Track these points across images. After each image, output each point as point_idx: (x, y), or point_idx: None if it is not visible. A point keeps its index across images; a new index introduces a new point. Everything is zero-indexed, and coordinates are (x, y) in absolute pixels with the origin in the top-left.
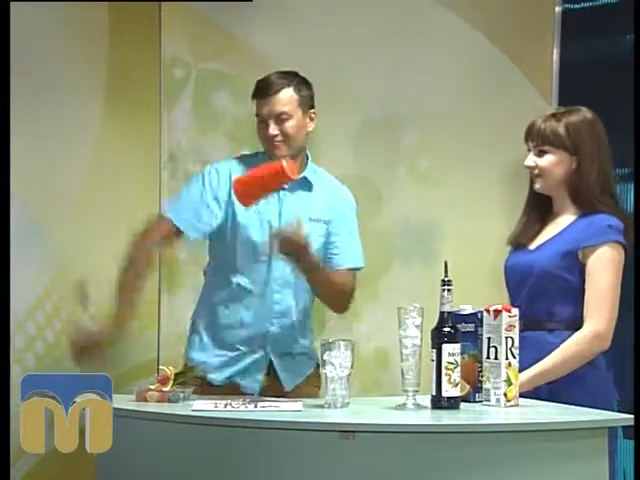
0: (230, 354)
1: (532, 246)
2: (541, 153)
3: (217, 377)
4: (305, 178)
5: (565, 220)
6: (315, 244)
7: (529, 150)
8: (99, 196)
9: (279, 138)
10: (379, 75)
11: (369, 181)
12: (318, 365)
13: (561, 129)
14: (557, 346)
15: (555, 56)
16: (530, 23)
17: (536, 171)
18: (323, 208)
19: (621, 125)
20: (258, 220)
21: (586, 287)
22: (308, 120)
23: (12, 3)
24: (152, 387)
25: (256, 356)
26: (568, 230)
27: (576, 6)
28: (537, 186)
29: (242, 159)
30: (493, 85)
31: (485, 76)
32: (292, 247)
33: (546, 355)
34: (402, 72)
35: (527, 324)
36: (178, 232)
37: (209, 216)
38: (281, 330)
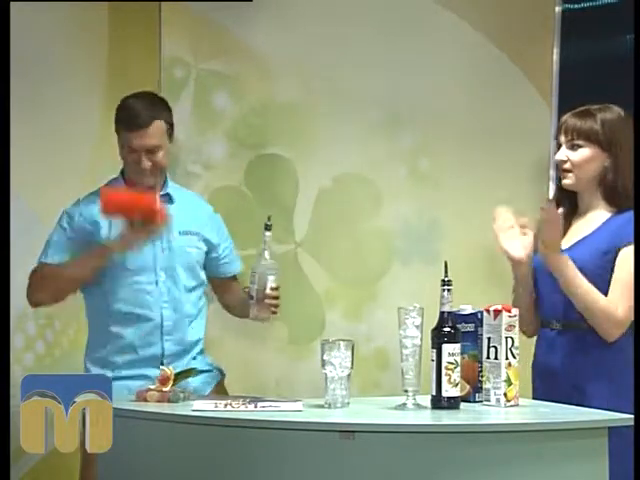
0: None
1: (564, 245)
2: (575, 147)
3: None
4: (168, 194)
5: (597, 217)
6: (189, 257)
7: (559, 146)
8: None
9: (152, 170)
10: (379, 75)
11: (369, 181)
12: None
13: (597, 125)
14: (599, 347)
15: (555, 56)
16: (530, 23)
17: (567, 165)
18: (189, 221)
19: None
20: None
21: (615, 276)
22: (170, 145)
23: (12, 3)
24: (152, 387)
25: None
26: (605, 228)
27: (576, 6)
28: (567, 182)
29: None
30: (493, 85)
31: (485, 76)
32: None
33: (590, 357)
34: (402, 72)
35: (567, 325)
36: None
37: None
38: (176, 348)
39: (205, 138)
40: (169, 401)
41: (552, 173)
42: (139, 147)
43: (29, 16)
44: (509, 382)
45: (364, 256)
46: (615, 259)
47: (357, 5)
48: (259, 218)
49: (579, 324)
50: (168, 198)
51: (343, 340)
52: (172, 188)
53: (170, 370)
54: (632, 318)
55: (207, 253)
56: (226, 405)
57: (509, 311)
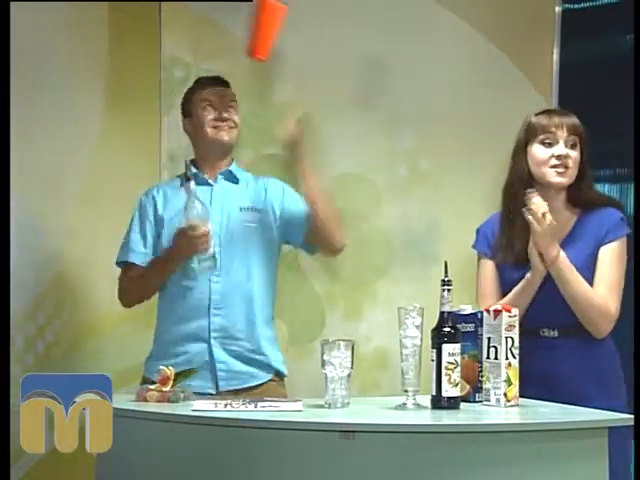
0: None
1: None
2: (573, 146)
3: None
4: (230, 171)
5: (566, 220)
6: (246, 231)
7: (549, 143)
8: (99, 196)
9: (230, 125)
10: (379, 75)
11: (369, 181)
12: (277, 379)
13: (581, 126)
14: (602, 354)
15: (555, 56)
16: (530, 23)
17: (570, 162)
18: (253, 198)
19: (621, 125)
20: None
21: (598, 274)
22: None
23: (12, 3)
24: (152, 387)
25: (199, 350)
26: (580, 229)
27: (576, 6)
28: (563, 179)
29: (161, 186)
30: (493, 85)
31: (485, 76)
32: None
33: (589, 366)
34: (402, 72)
35: (565, 331)
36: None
37: (150, 240)
38: (224, 322)
39: None
40: (169, 401)
41: None
42: (218, 102)
43: (29, 16)
44: (509, 382)
45: (364, 256)
46: (597, 258)
47: (357, 5)
48: None
49: (577, 330)
50: (232, 177)
51: (343, 340)
52: (238, 170)
53: (170, 370)
54: (617, 314)
55: (277, 226)
56: (226, 405)
57: (509, 311)
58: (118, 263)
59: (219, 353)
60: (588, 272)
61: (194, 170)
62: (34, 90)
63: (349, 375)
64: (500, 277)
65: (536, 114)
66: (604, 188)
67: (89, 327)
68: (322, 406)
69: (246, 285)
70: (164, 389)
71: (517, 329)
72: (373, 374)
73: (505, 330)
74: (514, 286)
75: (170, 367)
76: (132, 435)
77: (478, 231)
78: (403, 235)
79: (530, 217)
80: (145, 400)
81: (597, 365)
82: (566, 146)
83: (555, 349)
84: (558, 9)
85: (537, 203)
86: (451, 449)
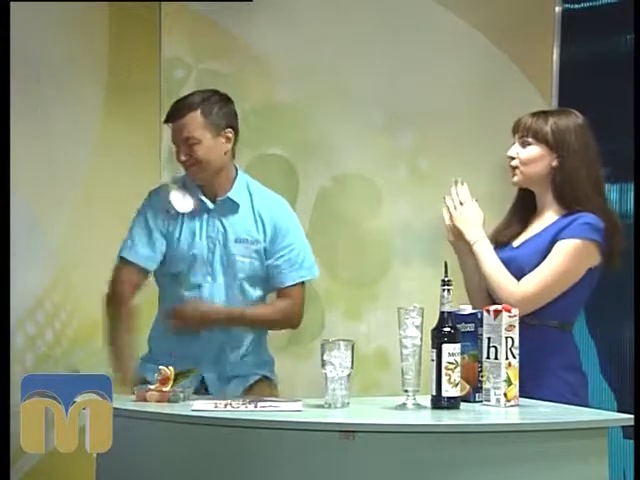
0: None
1: (516, 243)
2: (524, 144)
3: None
4: (229, 199)
5: (548, 218)
6: (242, 265)
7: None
8: (99, 196)
9: (189, 163)
10: (379, 75)
11: (369, 181)
12: (264, 378)
13: (547, 126)
14: (538, 343)
15: (555, 56)
16: (530, 23)
17: (516, 162)
18: (251, 228)
19: (621, 125)
20: (185, 237)
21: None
22: (224, 140)
23: (12, 3)
24: (152, 387)
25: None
26: (550, 228)
27: (576, 6)
28: (515, 178)
29: (165, 187)
30: (493, 85)
31: (485, 76)
32: (194, 323)
33: (535, 353)
34: (402, 72)
35: (540, 322)
36: (143, 270)
37: (159, 245)
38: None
39: None
40: (169, 401)
41: None
42: (175, 140)
43: (29, 16)
44: (509, 382)
45: (364, 256)
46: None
47: (357, 5)
48: None
49: (547, 321)
50: (230, 204)
51: (343, 340)
52: (238, 192)
53: (170, 370)
54: (535, 300)
55: (266, 261)
56: (226, 405)
57: (509, 311)
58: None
59: (210, 378)
60: (535, 264)
61: (200, 197)
62: (34, 90)
63: (349, 375)
64: None
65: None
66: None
67: (89, 327)
68: (322, 406)
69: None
70: (164, 389)
71: (517, 329)
72: (373, 374)
73: (505, 330)
74: None
75: (170, 367)
76: (132, 435)
77: None
78: (403, 235)
79: (446, 204)
80: (145, 400)
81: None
82: (519, 146)
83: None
84: (558, 9)
85: (460, 191)
86: (451, 449)
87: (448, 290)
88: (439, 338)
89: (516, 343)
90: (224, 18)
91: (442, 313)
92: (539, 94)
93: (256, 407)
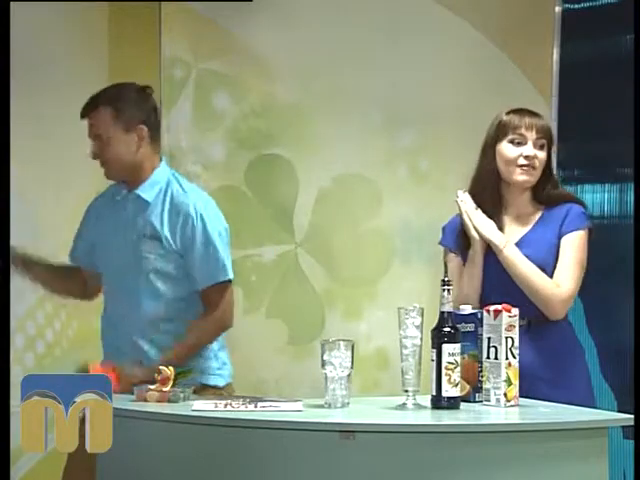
0: None
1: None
2: (541, 147)
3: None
4: (137, 195)
5: (530, 214)
6: (150, 263)
7: (518, 143)
8: None
9: (101, 161)
10: (379, 75)
11: (369, 181)
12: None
13: (548, 125)
14: (560, 338)
15: (555, 56)
16: (530, 23)
17: (537, 163)
18: (160, 224)
19: (621, 125)
20: (104, 235)
21: (559, 260)
22: (136, 137)
23: (12, 3)
24: (152, 387)
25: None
26: (543, 222)
27: (576, 6)
28: (529, 178)
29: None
30: (493, 85)
31: (485, 76)
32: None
33: (547, 354)
34: (402, 72)
35: (532, 320)
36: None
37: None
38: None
39: (205, 138)
40: (169, 401)
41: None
42: (88, 135)
43: (29, 16)
44: (509, 382)
45: (364, 256)
46: (559, 248)
47: (357, 5)
48: (259, 218)
49: (542, 318)
50: (139, 201)
51: (343, 340)
52: (149, 188)
53: (170, 370)
54: (574, 295)
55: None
56: (226, 405)
57: (509, 311)
58: None
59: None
60: (551, 260)
61: (116, 196)
62: (34, 90)
63: (349, 375)
64: None
65: (507, 113)
66: (604, 188)
67: (89, 327)
68: (322, 406)
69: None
70: (164, 389)
71: (517, 329)
72: (373, 374)
73: (505, 330)
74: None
75: (170, 367)
76: (132, 435)
77: (444, 228)
78: (403, 235)
79: (463, 209)
80: (145, 400)
81: (562, 353)
82: (534, 147)
83: (524, 338)
84: (558, 9)
85: (465, 199)
86: (451, 449)
87: (448, 290)
88: (439, 338)
89: (516, 343)
90: (224, 18)
91: (442, 313)
92: (539, 94)
93: (256, 407)
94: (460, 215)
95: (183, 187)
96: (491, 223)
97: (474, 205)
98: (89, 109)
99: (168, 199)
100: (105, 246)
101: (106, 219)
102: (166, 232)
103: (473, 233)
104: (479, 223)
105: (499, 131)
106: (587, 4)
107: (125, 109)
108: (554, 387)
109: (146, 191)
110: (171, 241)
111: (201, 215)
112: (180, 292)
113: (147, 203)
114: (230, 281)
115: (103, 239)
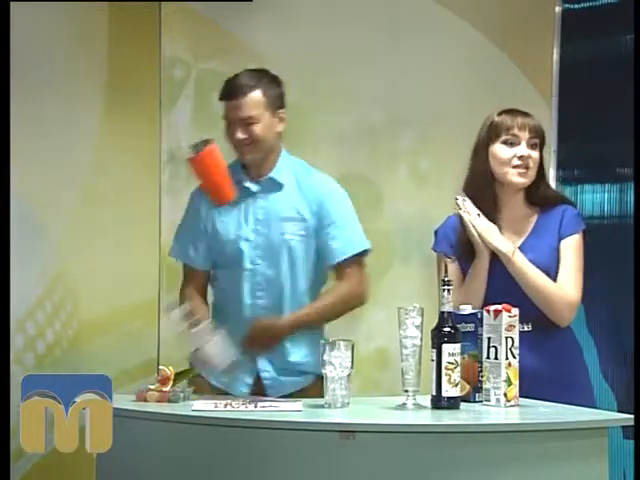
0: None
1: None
2: (534, 147)
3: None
4: (271, 179)
5: (526, 217)
6: (290, 243)
7: (511, 143)
8: (99, 196)
9: (247, 142)
10: (379, 75)
11: (369, 181)
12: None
13: (541, 126)
14: (562, 341)
15: (555, 56)
16: (530, 23)
17: (530, 163)
18: (297, 206)
19: (621, 125)
20: (231, 225)
21: (561, 264)
22: (277, 121)
23: (12, 3)
24: (152, 387)
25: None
26: (541, 226)
27: (576, 6)
28: (523, 180)
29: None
30: (493, 85)
31: (485, 76)
32: (263, 345)
33: (550, 357)
34: (402, 72)
35: (536, 323)
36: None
37: (206, 245)
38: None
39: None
40: (169, 401)
41: (553, 172)
42: (233, 118)
43: (29, 16)
44: (509, 382)
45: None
46: (559, 251)
47: (357, 5)
48: None
49: (545, 322)
50: (273, 184)
51: (343, 340)
52: (281, 171)
53: (170, 370)
54: (580, 301)
55: (315, 238)
56: (226, 405)
57: (509, 311)
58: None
59: (264, 364)
60: (553, 265)
61: (244, 183)
62: (34, 90)
63: (349, 375)
64: (464, 273)
65: (498, 113)
66: (604, 188)
67: (89, 327)
68: (322, 406)
69: (291, 300)
70: (164, 389)
71: (517, 329)
72: (373, 374)
73: (505, 330)
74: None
75: (170, 367)
76: (132, 435)
77: (437, 233)
78: (403, 235)
79: (466, 219)
80: (145, 400)
81: (565, 357)
82: (528, 147)
83: (529, 343)
84: (558, 9)
85: (468, 208)
86: (451, 449)
87: (448, 290)
88: (439, 338)
89: (516, 343)
90: (224, 18)
91: (442, 313)
92: (539, 94)
93: (256, 407)
94: (464, 225)
95: (307, 169)
96: (495, 229)
97: (477, 211)
98: (238, 91)
99: (300, 180)
100: (229, 236)
101: (224, 210)
102: (303, 212)
103: (478, 240)
104: (484, 231)
105: (491, 132)
106: (587, 4)
107: (270, 94)
108: (556, 390)
109: (278, 174)
110: (309, 221)
111: (334, 192)
112: (315, 274)
113: (281, 185)
114: (366, 252)
115: (227, 229)
